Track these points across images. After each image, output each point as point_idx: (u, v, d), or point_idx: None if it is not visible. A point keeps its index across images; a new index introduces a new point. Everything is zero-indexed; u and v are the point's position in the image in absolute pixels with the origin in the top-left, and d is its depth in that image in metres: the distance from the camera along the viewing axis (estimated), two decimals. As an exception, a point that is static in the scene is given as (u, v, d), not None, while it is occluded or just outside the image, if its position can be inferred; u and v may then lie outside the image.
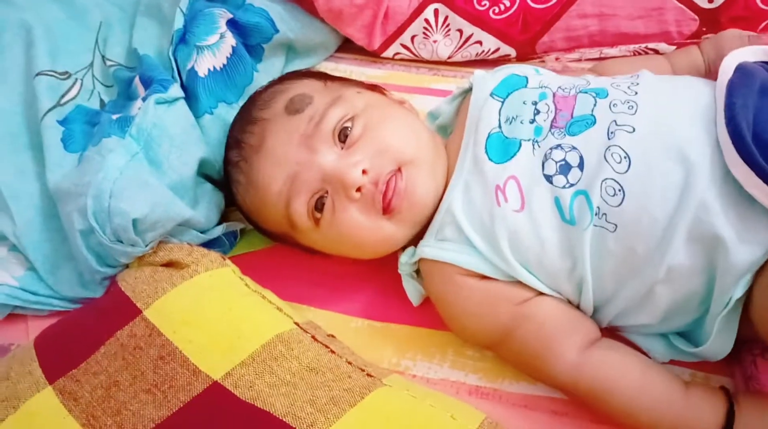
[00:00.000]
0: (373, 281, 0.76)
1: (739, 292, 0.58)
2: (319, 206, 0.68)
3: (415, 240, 0.70)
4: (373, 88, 0.78)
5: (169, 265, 0.70)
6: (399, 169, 0.67)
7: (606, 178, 0.61)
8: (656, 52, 0.87)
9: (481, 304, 0.65)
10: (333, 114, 0.69)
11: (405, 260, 0.70)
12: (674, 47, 0.87)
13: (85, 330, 0.66)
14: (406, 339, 0.72)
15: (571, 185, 0.62)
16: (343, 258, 0.75)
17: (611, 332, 0.67)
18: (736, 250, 0.57)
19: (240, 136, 0.74)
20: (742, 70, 0.64)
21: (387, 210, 0.67)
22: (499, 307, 0.65)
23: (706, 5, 0.85)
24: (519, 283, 0.65)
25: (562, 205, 0.62)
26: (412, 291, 0.71)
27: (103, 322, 0.65)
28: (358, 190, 0.66)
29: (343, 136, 0.68)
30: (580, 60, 0.90)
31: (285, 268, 0.79)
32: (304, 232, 0.71)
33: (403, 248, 0.71)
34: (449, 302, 0.67)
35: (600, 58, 0.90)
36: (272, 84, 0.79)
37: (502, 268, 0.64)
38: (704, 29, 0.86)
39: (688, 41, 0.86)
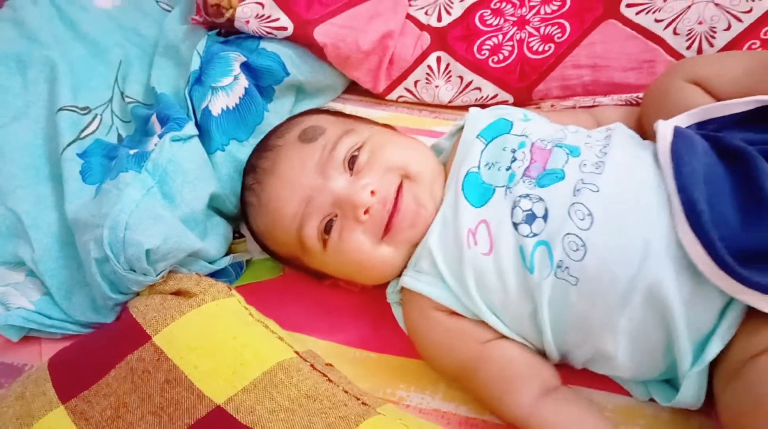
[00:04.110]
0: (371, 313, 0.79)
1: (708, 356, 0.60)
2: (327, 229, 0.72)
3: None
4: (386, 125, 0.83)
5: (178, 293, 0.73)
6: (401, 184, 0.71)
7: (568, 233, 0.63)
8: (647, 101, 0.91)
9: (447, 340, 0.69)
10: (344, 143, 0.73)
11: (391, 289, 0.74)
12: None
13: (97, 353, 0.69)
14: (401, 370, 0.75)
15: (535, 235, 0.65)
16: (343, 289, 0.79)
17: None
18: (681, 319, 0.60)
19: (255, 161, 0.79)
20: (680, 135, 0.66)
21: (390, 228, 0.70)
22: (463, 344, 0.68)
23: (695, 59, 0.89)
24: (484, 323, 0.68)
25: (524, 253, 0.65)
26: (401, 318, 0.74)
27: (114, 347, 0.69)
28: (366, 212, 0.70)
29: (352, 163, 0.72)
30: (574, 107, 0.93)
31: (288, 298, 0.82)
32: (312, 255, 0.74)
33: None
34: (420, 333, 0.71)
35: (593, 106, 0.93)
36: (288, 119, 0.84)
37: (469, 306, 0.68)
38: (693, 81, 0.90)
39: (678, 92, 0.91)
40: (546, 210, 0.65)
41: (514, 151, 0.70)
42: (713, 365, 0.61)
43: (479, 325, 0.68)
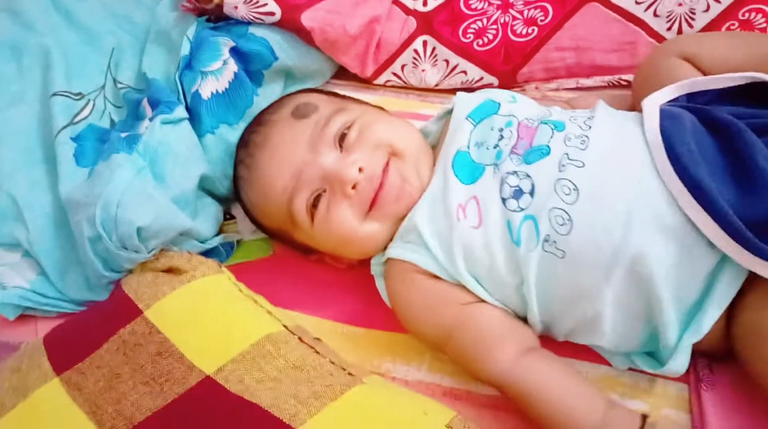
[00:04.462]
0: (358, 291, 0.80)
1: (704, 325, 0.62)
2: (315, 203, 0.74)
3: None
4: (374, 106, 0.85)
5: (170, 271, 0.75)
6: (388, 162, 0.73)
7: (554, 208, 0.65)
8: (629, 83, 0.93)
9: (428, 302, 0.70)
10: (336, 121, 0.75)
11: (376, 261, 0.76)
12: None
13: (91, 328, 0.71)
14: (387, 344, 0.77)
15: (522, 210, 0.67)
16: (331, 267, 0.81)
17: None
18: (665, 290, 0.62)
19: (248, 136, 0.81)
20: (667, 112, 0.68)
21: (375, 203, 0.72)
22: (443, 306, 0.69)
23: (676, 41, 0.91)
24: (465, 287, 0.69)
25: (512, 227, 0.67)
26: (383, 290, 0.76)
27: (107, 321, 0.70)
28: (354, 187, 0.72)
29: (341, 140, 0.74)
30: (558, 89, 0.96)
31: (277, 276, 0.84)
32: (301, 228, 0.76)
33: None
34: (401, 297, 0.72)
35: (576, 88, 0.95)
36: (282, 97, 0.86)
37: (453, 274, 0.69)
38: (674, 62, 0.92)
39: (659, 73, 0.92)
40: (532, 186, 0.67)
41: (501, 130, 0.72)
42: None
43: (460, 288, 0.70)
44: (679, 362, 0.64)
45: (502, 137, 0.72)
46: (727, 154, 0.64)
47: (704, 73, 0.75)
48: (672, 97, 0.71)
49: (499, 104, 0.76)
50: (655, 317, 0.64)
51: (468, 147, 0.73)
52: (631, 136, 0.68)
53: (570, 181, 0.66)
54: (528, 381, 0.65)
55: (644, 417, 0.62)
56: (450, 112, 0.80)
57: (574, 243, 0.64)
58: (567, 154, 0.67)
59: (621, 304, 0.64)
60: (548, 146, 0.69)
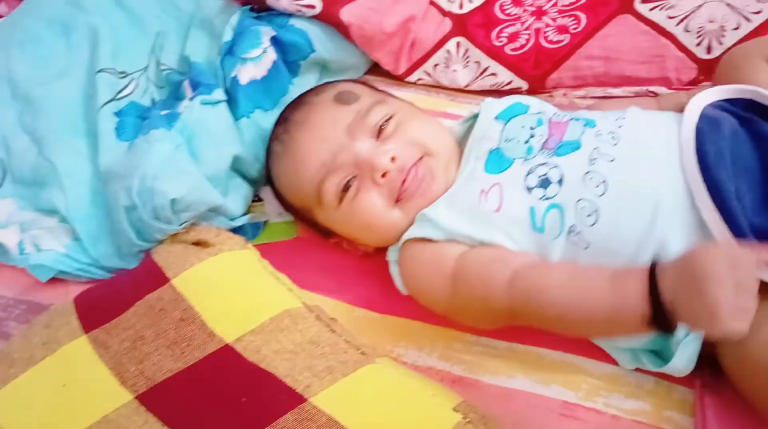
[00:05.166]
0: (376, 277, 0.82)
1: None
2: (346, 187, 0.76)
3: None
4: (409, 104, 0.87)
5: (198, 244, 0.79)
6: (421, 158, 0.76)
7: (581, 199, 0.67)
8: (656, 94, 0.94)
9: (430, 262, 0.72)
10: (376, 111, 0.78)
11: (393, 248, 0.77)
12: (673, 92, 0.93)
13: (120, 292, 0.74)
14: (402, 330, 0.79)
15: (548, 199, 0.69)
16: (350, 252, 0.84)
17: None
18: None
19: (288, 114, 0.84)
20: (709, 114, 0.69)
21: (402, 194, 0.74)
22: (445, 257, 0.71)
23: (705, 56, 0.92)
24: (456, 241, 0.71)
25: (535, 214, 0.69)
26: (397, 277, 0.77)
27: (136, 287, 0.74)
28: (384, 175, 0.74)
29: (379, 132, 0.77)
30: (585, 97, 0.97)
31: (298, 258, 0.86)
32: (326, 209, 0.78)
33: None
34: (408, 266, 0.74)
35: (604, 97, 0.97)
36: (325, 83, 0.89)
37: (454, 230, 0.71)
38: (702, 77, 0.93)
39: (687, 87, 0.93)
40: (561, 175, 0.69)
41: (532, 128, 0.74)
42: None
43: (453, 243, 0.71)
44: (685, 359, 0.65)
45: (533, 135, 0.74)
46: (765, 167, 0.65)
47: None
48: (725, 98, 0.72)
49: (528, 106, 0.79)
50: None
51: (499, 144, 0.75)
52: (663, 134, 0.70)
53: (599, 174, 0.68)
54: (530, 283, 0.64)
55: (653, 266, 0.57)
56: (476, 116, 0.82)
57: (600, 234, 0.66)
58: (597, 148, 0.69)
59: None
60: (579, 141, 0.71)
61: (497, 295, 0.65)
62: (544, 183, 0.69)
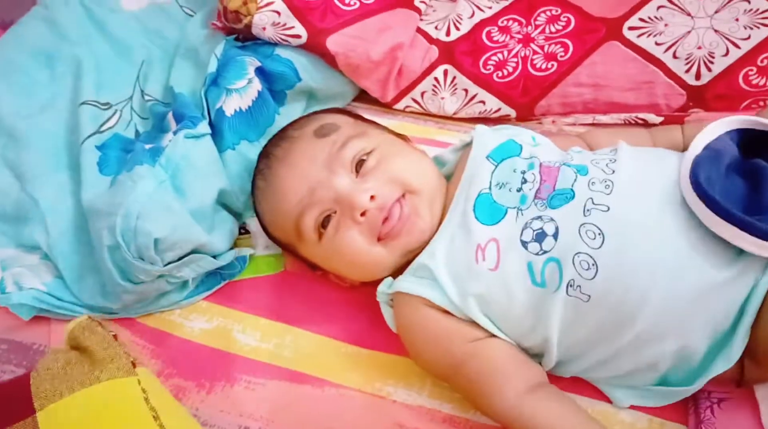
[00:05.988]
0: (365, 311, 0.81)
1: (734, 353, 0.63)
2: (325, 223, 0.75)
3: (395, 273, 0.76)
4: (399, 135, 0.86)
5: (84, 350, 0.71)
6: (403, 196, 0.74)
7: (579, 252, 0.66)
8: (645, 121, 0.94)
9: (438, 337, 0.71)
10: (354, 144, 0.76)
11: (383, 289, 0.76)
12: (662, 118, 0.93)
13: None
14: (390, 366, 0.78)
15: (544, 252, 0.67)
16: (338, 285, 0.82)
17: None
18: (698, 323, 0.64)
19: (270, 148, 0.83)
20: (710, 148, 0.69)
21: (384, 234, 0.73)
22: (452, 342, 0.70)
23: (693, 82, 0.91)
24: (474, 322, 0.70)
25: (533, 270, 0.67)
26: (389, 317, 0.76)
27: (2, 411, 0.66)
28: (363, 214, 0.73)
29: (359, 166, 0.76)
30: (574, 124, 0.97)
31: (286, 293, 0.86)
32: (307, 244, 0.77)
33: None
34: (410, 330, 0.73)
35: (593, 124, 0.96)
36: (310, 114, 0.87)
37: (465, 311, 0.70)
38: (691, 104, 0.92)
39: (676, 113, 0.93)
40: (556, 229, 0.67)
41: (523, 173, 0.73)
42: None
43: (470, 324, 0.70)
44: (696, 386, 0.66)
45: (525, 181, 0.72)
46: (749, 192, 0.66)
47: None
48: (727, 130, 0.71)
49: (521, 146, 0.76)
50: (685, 349, 0.65)
51: (489, 188, 0.73)
52: (655, 175, 0.69)
53: (595, 225, 0.66)
54: (535, 419, 0.65)
55: None
56: (468, 144, 0.81)
57: (600, 287, 0.65)
58: (591, 198, 0.68)
59: (648, 342, 0.65)
60: (572, 190, 0.69)
61: (496, 409, 0.68)
62: (539, 237, 0.68)
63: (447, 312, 0.71)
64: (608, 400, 0.72)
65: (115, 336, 0.71)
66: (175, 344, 0.82)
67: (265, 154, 0.83)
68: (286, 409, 0.76)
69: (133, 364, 0.70)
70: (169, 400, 0.70)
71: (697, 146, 0.70)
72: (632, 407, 0.71)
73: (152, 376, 0.70)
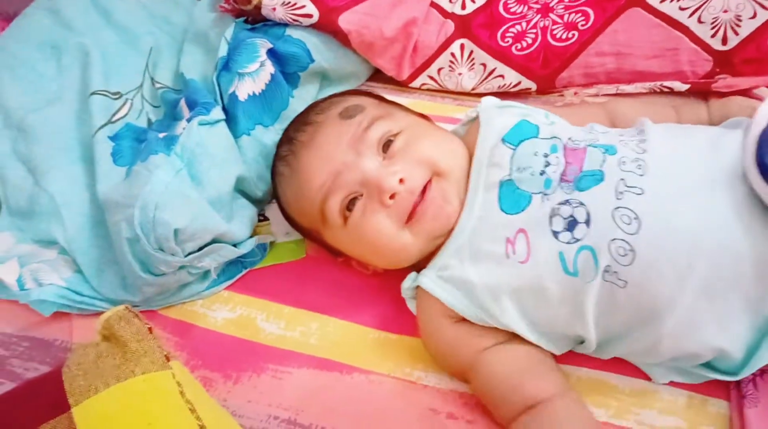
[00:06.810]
0: (391, 296, 0.79)
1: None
2: (350, 206, 0.73)
3: (419, 266, 0.74)
4: (421, 115, 0.83)
5: (116, 341, 0.68)
6: (431, 180, 0.72)
7: (615, 239, 0.62)
8: (671, 89, 0.91)
9: (449, 345, 0.70)
10: (381, 125, 0.74)
11: (407, 285, 0.74)
12: (688, 86, 0.90)
13: (16, 414, 0.64)
14: (419, 351, 0.76)
15: (577, 240, 0.64)
16: (363, 272, 0.81)
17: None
18: (735, 314, 0.62)
19: (293, 133, 0.80)
20: None
21: (414, 215, 0.71)
22: (461, 351, 0.69)
23: (720, 47, 0.88)
24: (487, 330, 0.68)
25: (565, 259, 0.64)
26: (414, 309, 0.74)
27: (35, 409, 0.64)
28: (392, 197, 0.70)
29: (386, 147, 0.73)
30: (597, 95, 0.94)
31: (309, 279, 0.84)
32: (332, 229, 0.75)
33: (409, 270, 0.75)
34: (426, 334, 0.73)
35: (616, 94, 0.93)
36: (331, 96, 0.85)
37: (484, 315, 0.68)
38: (717, 70, 0.89)
39: (702, 80, 0.90)
40: (588, 214, 0.64)
41: (546, 155, 0.69)
42: None
43: (482, 331, 0.69)
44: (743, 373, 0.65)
45: (548, 164, 0.68)
46: None
47: None
48: None
49: (537, 127, 0.73)
50: (724, 331, 0.63)
51: (510, 173, 0.70)
52: (692, 153, 0.66)
53: (630, 209, 0.63)
54: None
55: None
56: (474, 119, 0.78)
57: (637, 272, 0.62)
58: (623, 179, 0.65)
59: (689, 324, 0.63)
60: (601, 171, 0.66)
61: (505, 414, 0.67)
62: (571, 225, 0.65)
63: (463, 319, 0.69)
64: (647, 377, 0.70)
65: (150, 328, 0.69)
66: (199, 335, 0.81)
67: (287, 140, 0.81)
68: (315, 397, 0.74)
69: (167, 358, 0.68)
70: (202, 393, 0.68)
71: (760, 122, 0.65)
72: (671, 383, 0.70)
73: (185, 369, 0.68)
